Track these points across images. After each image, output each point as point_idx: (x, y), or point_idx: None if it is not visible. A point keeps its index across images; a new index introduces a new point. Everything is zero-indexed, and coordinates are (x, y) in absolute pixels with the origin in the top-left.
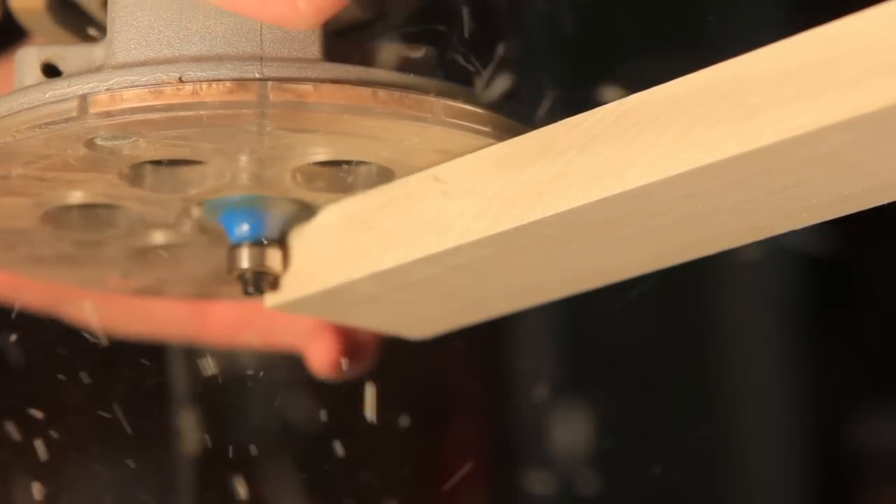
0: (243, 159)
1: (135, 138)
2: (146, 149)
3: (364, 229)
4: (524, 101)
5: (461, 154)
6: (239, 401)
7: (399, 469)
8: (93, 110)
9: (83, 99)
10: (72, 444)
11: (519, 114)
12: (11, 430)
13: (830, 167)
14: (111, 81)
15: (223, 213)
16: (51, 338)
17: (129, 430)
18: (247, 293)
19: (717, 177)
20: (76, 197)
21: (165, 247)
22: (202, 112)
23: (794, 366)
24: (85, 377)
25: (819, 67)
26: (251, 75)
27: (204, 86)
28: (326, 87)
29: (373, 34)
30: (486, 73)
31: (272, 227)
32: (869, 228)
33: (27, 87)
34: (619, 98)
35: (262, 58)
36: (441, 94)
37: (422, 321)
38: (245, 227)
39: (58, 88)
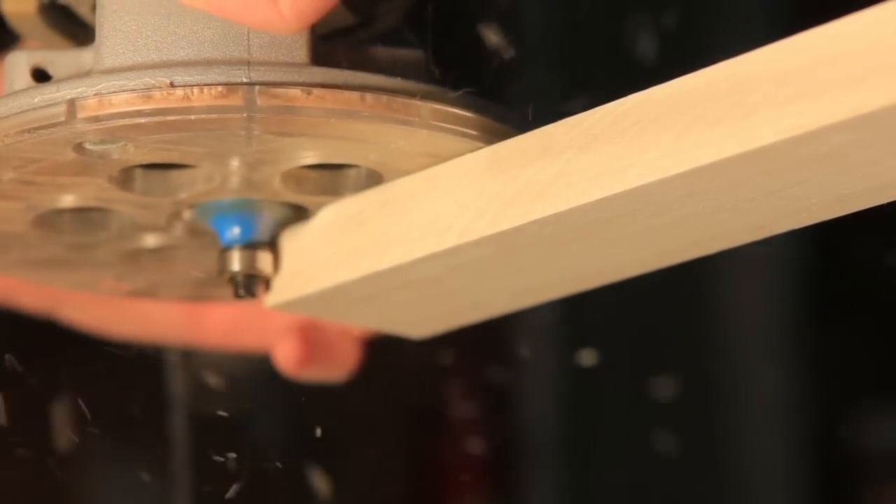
0: (232, 163)
1: (123, 142)
2: (135, 153)
3: (363, 229)
4: (515, 103)
5: (450, 157)
6: (231, 405)
7: (399, 469)
8: (81, 115)
9: (71, 103)
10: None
11: (507, 117)
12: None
13: (830, 167)
14: (99, 86)
15: (214, 217)
16: (48, 340)
17: (127, 433)
18: (237, 296)
19: (717, 176)
20: (67, 201)
21: (157, 250)
22: (191, 116)
23: (793, 365)
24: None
25: (819, 67)
26: (239, 80)
27: (195, 90)
28: (314, 92)
29: (362, 38)
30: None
31: (263, 229)
32: (869, 228)
33: (16, 92)
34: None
35: (249, 62)
36: (428, 97)
37: (421, 321)
38: (236, 230)
39: (46, 93)
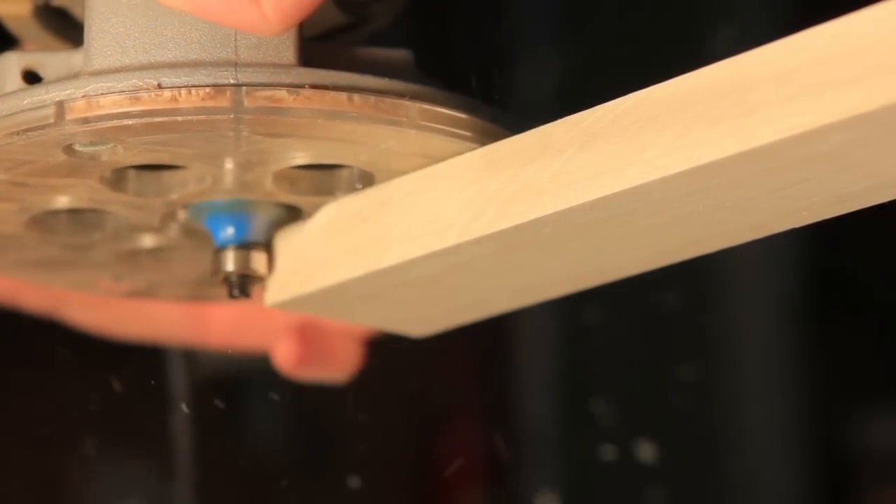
0: (223, 164)
1: (113, 144)
2: (125, 154)
3: (364, 227)
4: (513, 103)
5: (441, 158)
6: (234, 402)
7: (399, 468)
8: (70, 116)
9: (60, 105)
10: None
11: (498, 117)
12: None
13: (830, 166)
14: (88, 88)
15: (208, 217)
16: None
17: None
18: (232, 296)
19: (717, 175)
20: (61, 202)
21: (154, 250)
22: (179, 118)
23: (793, 366)
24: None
25: (819, 66)
26: (226, 81)
27: (182, 92)
28: (301, 92)
29: (353, 39)
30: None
31: (257, 230)
32: (869, 227)
33: (6, 94)
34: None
35: (236, 63)
36: (417, 97)
37: (421, 319)
38: (230, 231)
39: (35, 95)
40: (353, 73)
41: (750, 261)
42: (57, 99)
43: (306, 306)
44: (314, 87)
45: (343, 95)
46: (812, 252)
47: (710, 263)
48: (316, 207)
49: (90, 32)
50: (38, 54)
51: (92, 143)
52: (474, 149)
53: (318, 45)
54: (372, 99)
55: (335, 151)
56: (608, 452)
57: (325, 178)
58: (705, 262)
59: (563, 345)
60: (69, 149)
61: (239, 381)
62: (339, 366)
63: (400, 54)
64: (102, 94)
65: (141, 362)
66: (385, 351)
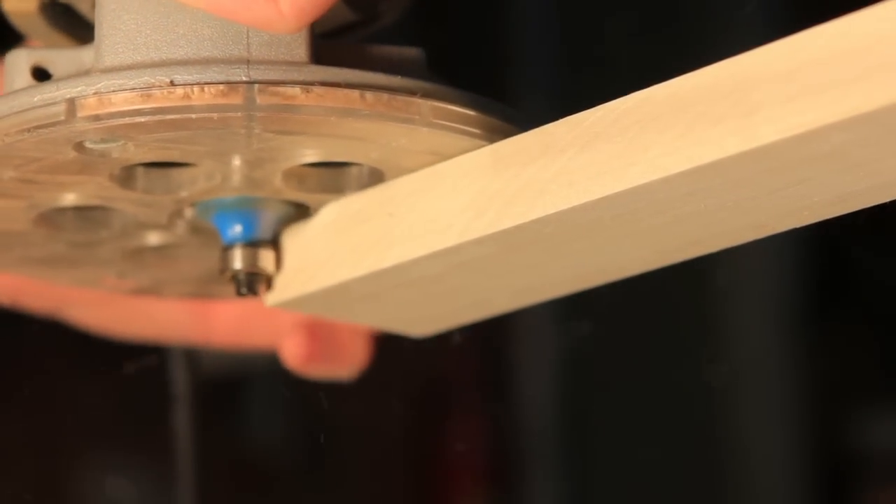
0: (233, 161)
1: (123, 141)
2: (135, 151)
3: (365, 227)
4: (516, 102)
5: (451, 155)
6: (234, 402)
7: (399, 467)
8: (81, 114)
9: (71, 102)
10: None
11: (508, 115)
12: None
13: (832, 165)
14: (99, 85)
15: (215, 215)
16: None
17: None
18: (239, 294)
19: (719, 175)
20: (69, 199)
21: (160, 247)
22: (191, 115)
23: (794, 366)
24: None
25: (820, 66)
26: (238, 78)
27: (195, 89)
28: (313, 90)
29: (363, 36)
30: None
31: (265, 228)
32: (870, 227)
33: (16, 91)
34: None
35: (248, 61)
36: (429, 95)
37: (422, 319)
38: (237, 229)
39: (46, 92)
40: (365, 71)
41: (751, 261)
42: (68, 96)
43: (307, 306)
44: (326, 84)
45: (355, 93)
46: (813, 252)
47: (711, 264)
48: (324, 205)
49: (101, 29)
50: (48, 51)
51: (102, 141)
52: (484, 146)
53: (328, 43)
54: (384, 96)
55: (346, 149)
56: (608, 452)
57: (334, 176)
58: (706, 262)
59: (564, 345)
60: (80, 146)
61: (239, 381)
62: (347, 362)
63: (411, 52)
64: (114, 91)
65: (142, 362)
66: (385, 351)
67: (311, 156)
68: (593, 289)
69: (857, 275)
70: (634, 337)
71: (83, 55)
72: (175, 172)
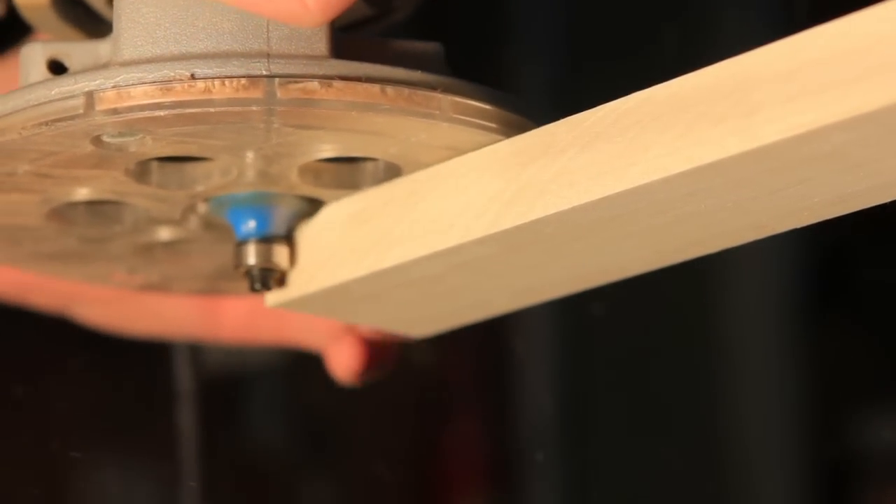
0: (250, 156)
1: (142, 135)
2: (153, 146)
3: (365, 228)
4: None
5: (469, 150)
6: (234, 402)
7: (399, 466)
8: (99, 107)
9: (90, 96)
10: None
11: (527, 110)
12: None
13: (832, 165)
14: (118, 78)
15: (229, 210)
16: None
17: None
18: (253, 290)
19: (719, 175)
20: (82, 193)
21: (171, 243)
22: (211, 109)
23: (794, 365)
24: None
25: (821, 66)
26: (259, 72)
27: (216, 83)
28: (334, 84)
29: (380, 30)
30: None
31: (279, 223)
32: (870, 227)
33: (33, 84)
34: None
35: (269, 54)
36: (449, 90)
37: (423, 319)
38: (251, 224)
39: (64, 85)
40: (385, 66)
41: (751, 261)
42: (86, 89)
43: (308, 306)
44: (347, 78)
45: (376, 88)
46: (813, 252)
47: (711, 264)
48: (339, 200)
49: (120, 22)
50: (64, 44)
51: (120, 135)
52: (501, 141)
53: (347, 37)
54: (405, 91)
55: (365, 144)
56: (608, 452)
57: (350, 172)
58: (706, 262)
59: (564, 345)
60: (97, 140)
61: (238, 380)
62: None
63: (430, 46)
64: (133, 84)
65: (146, 360)
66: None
67: (329, 151)
68: (594, 289)
69: (857, 275)
70: (634, 337)
71: (100, 48)
72: (190, 167)
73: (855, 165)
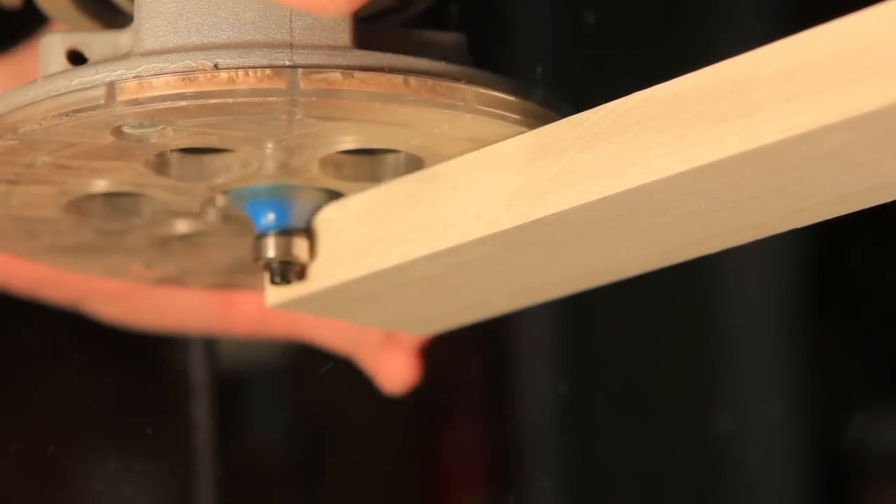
0: (271, 147)
1: (163, 126)
2: (174, 137)
3: (365, 228)
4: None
5: (492, 142)
6: (234, 401)
7: (399, 466)
8: (121, 98)
9: (111, 86)
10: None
11: (550, 101)
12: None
13: (832, 165)
14: (140, 68)
15: (248, 203)
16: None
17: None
18: (273, 283)
19: (719, 175)
20: (101, 185)
21: (188, 236)
22: (234, 99)
23: (794, 366)
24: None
25: (821, 66)
26: (282, 62)
27: (239, 73)
28: (357, 75)
29: (400, 21)
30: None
31: (298, 216)
32: (870, 227)
33: (53, 75)
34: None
35: (292, 45)
36: (473, 81)
37: (423, 319)
38: (271, 217)
39: (85, 76)
40: (409, 56)
41: (751, 261)
42: (108, 79)
43: (308, 306)
44: (370, 69)
45: (399, 78)
46: (813, 253)
47: (711, 264)
48: (359, 193)
49: (141, 12)
50: (83, 35)
51: (141, 126)
52: (523, 132)
53: (370, 28)
54: (429, 82)
55: (388, 135)
56: (608, 452)
57: (371, 164)
58: (706, 262)
59: (564, 345)
60: (118, 131)
61: (240, 381)
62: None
63: (452, 37)
64: (155, 74)
65: (156, 355)
66: None
67: (351, 142)
68: (594, 289)
69: (857, 275)
70: (634, 337)
71: (120, 39)
72: (210, 159)
73: (855, 165)
